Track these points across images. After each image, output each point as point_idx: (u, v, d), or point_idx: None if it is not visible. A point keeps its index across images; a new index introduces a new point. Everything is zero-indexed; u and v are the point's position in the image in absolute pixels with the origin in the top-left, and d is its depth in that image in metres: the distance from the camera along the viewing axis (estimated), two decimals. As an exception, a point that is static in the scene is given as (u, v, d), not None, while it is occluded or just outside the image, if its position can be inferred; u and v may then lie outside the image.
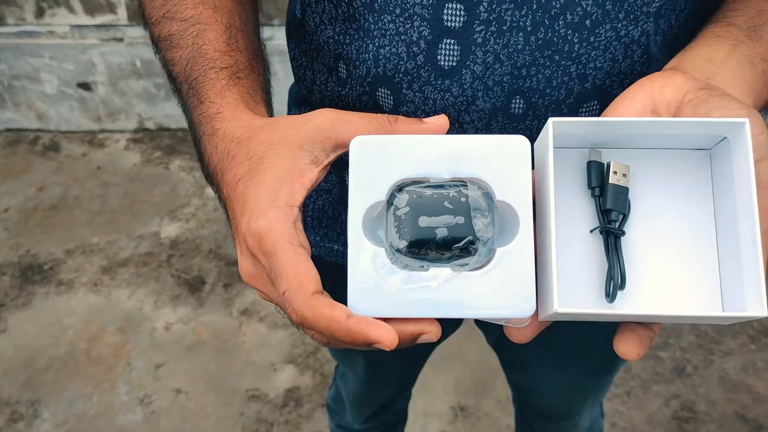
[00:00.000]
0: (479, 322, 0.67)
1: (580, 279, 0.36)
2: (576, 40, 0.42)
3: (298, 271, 0.33)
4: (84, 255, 1.64)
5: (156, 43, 0.46)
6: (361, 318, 0.33)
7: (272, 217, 0.34)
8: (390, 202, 0.35)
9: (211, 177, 0.40)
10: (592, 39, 0.42)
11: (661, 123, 0.34)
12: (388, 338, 0.32)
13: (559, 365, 0.72)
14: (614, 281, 0.34)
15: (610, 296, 0.35)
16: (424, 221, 0.34)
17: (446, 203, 0.35)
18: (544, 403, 0.83)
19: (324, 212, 0.59)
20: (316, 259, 0.61)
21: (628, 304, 0.35)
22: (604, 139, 0.37)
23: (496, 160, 0.35)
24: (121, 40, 1.81)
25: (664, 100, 0.37)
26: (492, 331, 0.76)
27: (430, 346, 0.84)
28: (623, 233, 0.36)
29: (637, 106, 0.37)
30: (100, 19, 1.78)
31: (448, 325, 0.76)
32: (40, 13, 1.78)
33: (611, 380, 0.79)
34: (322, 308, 0.32)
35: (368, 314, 0.34)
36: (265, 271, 0.35)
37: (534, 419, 0.90)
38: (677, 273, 0.36)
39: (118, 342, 1.46)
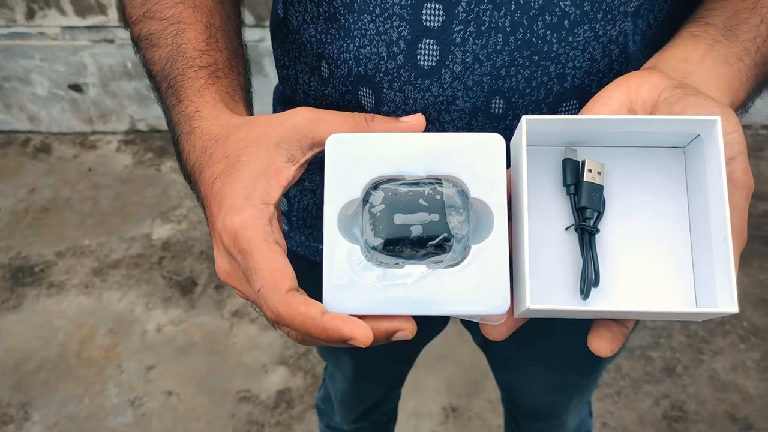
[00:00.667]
0: (465, 322, 0.67)
1: (555, 276, 0.36)
2: (555, 40, 0.42)
3: (273, 268, 0.33)
4: (75, 257, 1.64)
5: (136, 42, 0.46)
6: (336, 315, 0.33)
7: (247, 214, 0.34)
8: (365, 199, 0.36)
9: (189, 175, 0.40)
10: (570, 39, 0.42)
11: (633, 121, 0.34)
12: (362, 335, 0.32)
13: (544, 364, 0.73)
14: (588, 278, 0.35)
15: (584, 293, 0.35)
16: (399, 219, 0.35)
17: (421, 201, 0.35)
18: (531, 402, 0.83)
19: (308, 212, 0.59)
20: (301, 258, 0.61)
21: (602, 301, 0.35)
22: (580, 138, 0.37)
23: (472, 158, 0.35)
24: (112, 41, 1.80)
25: (640, 98, 0.37)
26: (478, 330, 0.76)
27: (418, 346, 0.84)
28: (597, 231, 0.36)
29: (614, 105, 0.37)
30: (90, 21, 1.78)
31: (436, 324, 0.76)
32: (30, 14, 1.78)
33: (597, 380, 0.79)
34: (297, 305, 0.33)
35: (343, 311, 0.34)
36: (240, 268, 0.35)
37: (521, 418, 0.90)
38: (651, 270, 0.36)
39: (109, 344, 1.46)
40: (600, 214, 0.36)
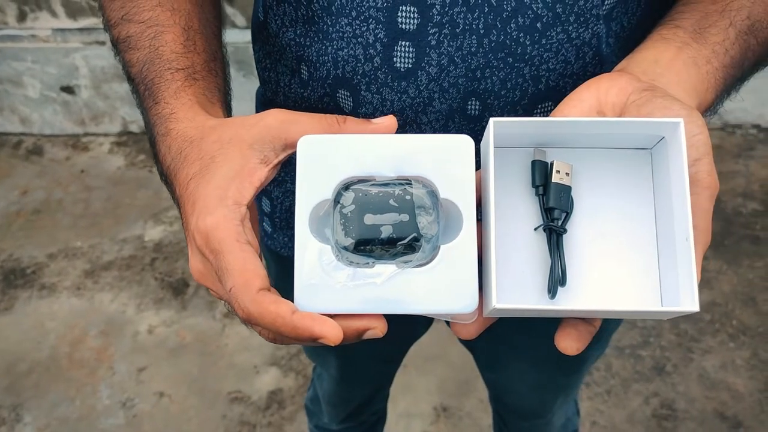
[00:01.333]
0: (449, 322, 0.68)
1: (523, 276, 0.36)
2: (528, 43, 0.43)
3: (245, 268, 0.34)
4: (67, 259, 1.64)
5: (115, 45, 0.46)
6: (306, 314, 0.33)
7: (220, 215, 0.35)
8: (336, 200, 0.36)
9: (165, 177, 0.41)
10: (543, 41, 0.43)
11: (599, 123, 0.35)
12: (332, 333, 0.33)
13: (528, 364, 0.73)
14: (555, 278, 0.35)
15: (551, 292, 0.35)
16: (369, 219, 0.35)
17: (391, 201, 0.35)
18: (517, 401, 0.84)
19: (291, 213, 0.60)
20: (285, 259, 0.62)
21: (569, 301, 0.36)
22: (549, 139, 0.38)
23: (441, 159, 0.36)
24: (103, 43, 1.81)
25: (609, 101, 0.37)
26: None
27: (403, 346, 0.85)
28: (565, 231, 0.36)
29: (584, 107, 0.38)
30: (82, 23, 1.78)
31: (419, 324, 0.77)
32: (22, 17, 1.78)
33: (581, 379, 0.80)
34: (268, 304, 0.33)
35: (314, 310, 0.34)
36: (213, 268, 0.35)
37: (508, 417, 0.91)
38: (618, 269, 0.36)
39: (101, 345, 1.46)
40: (568, 215, 0.37)
